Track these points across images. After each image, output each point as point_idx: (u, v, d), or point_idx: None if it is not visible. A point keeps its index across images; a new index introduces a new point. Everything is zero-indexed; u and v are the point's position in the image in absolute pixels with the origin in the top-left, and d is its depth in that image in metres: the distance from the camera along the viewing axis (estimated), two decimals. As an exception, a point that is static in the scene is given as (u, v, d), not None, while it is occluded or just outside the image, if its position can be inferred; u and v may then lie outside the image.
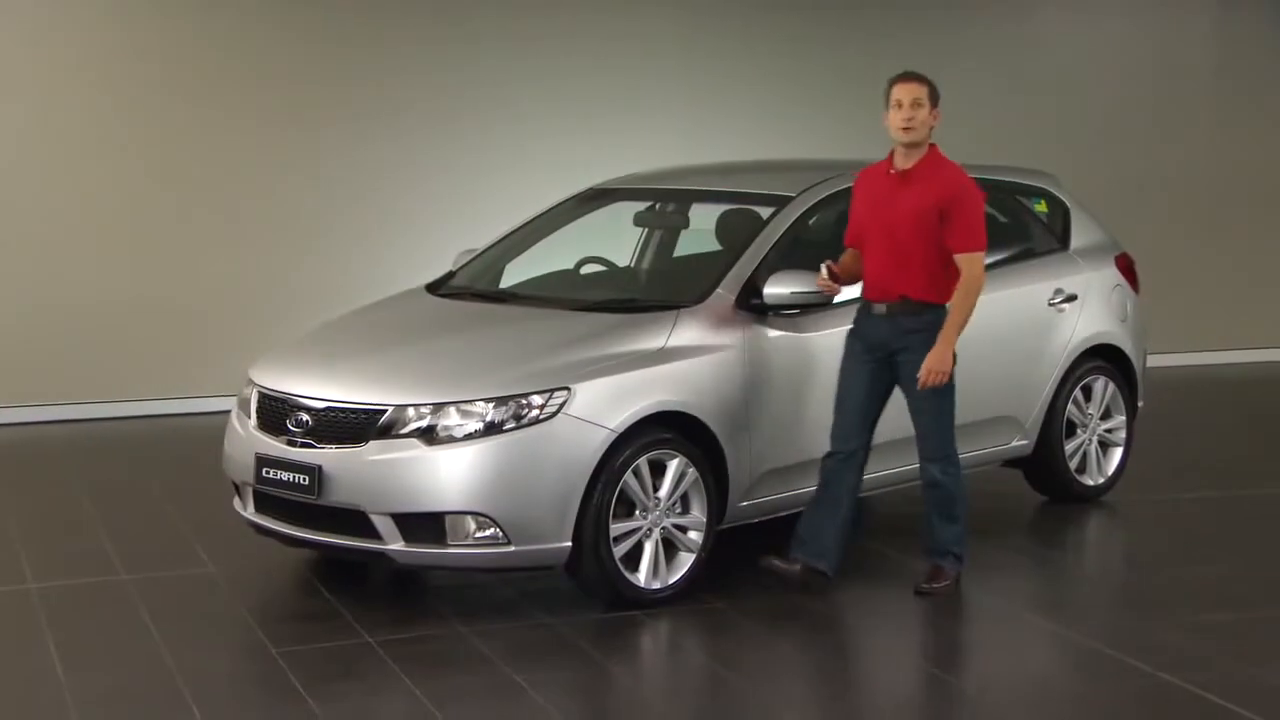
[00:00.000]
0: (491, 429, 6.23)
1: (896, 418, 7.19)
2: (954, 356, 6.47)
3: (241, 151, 10.68)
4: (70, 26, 10.34)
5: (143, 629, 6.26)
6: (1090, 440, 8.26)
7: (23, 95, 10.28)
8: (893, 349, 6.54)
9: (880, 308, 6.55)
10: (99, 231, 10.43)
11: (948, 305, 6.51)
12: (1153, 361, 8.85)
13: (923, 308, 6.51)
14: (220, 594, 6.78)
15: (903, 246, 6.48)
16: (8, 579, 6.91)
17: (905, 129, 6.48)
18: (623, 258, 7.97)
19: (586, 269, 7.85)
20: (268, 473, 6.54)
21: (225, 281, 10.62)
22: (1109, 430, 8.33)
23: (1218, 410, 11.45)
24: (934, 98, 6.52)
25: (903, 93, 6.50)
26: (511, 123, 11.22)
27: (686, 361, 6.53)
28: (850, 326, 6.71)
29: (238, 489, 6.92)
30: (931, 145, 6.58)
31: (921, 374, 6.44)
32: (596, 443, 6.27)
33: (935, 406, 6.56)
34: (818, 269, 6.62)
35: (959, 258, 6.50)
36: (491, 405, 6.26)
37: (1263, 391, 12.20)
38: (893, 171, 6.58)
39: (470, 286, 7.58)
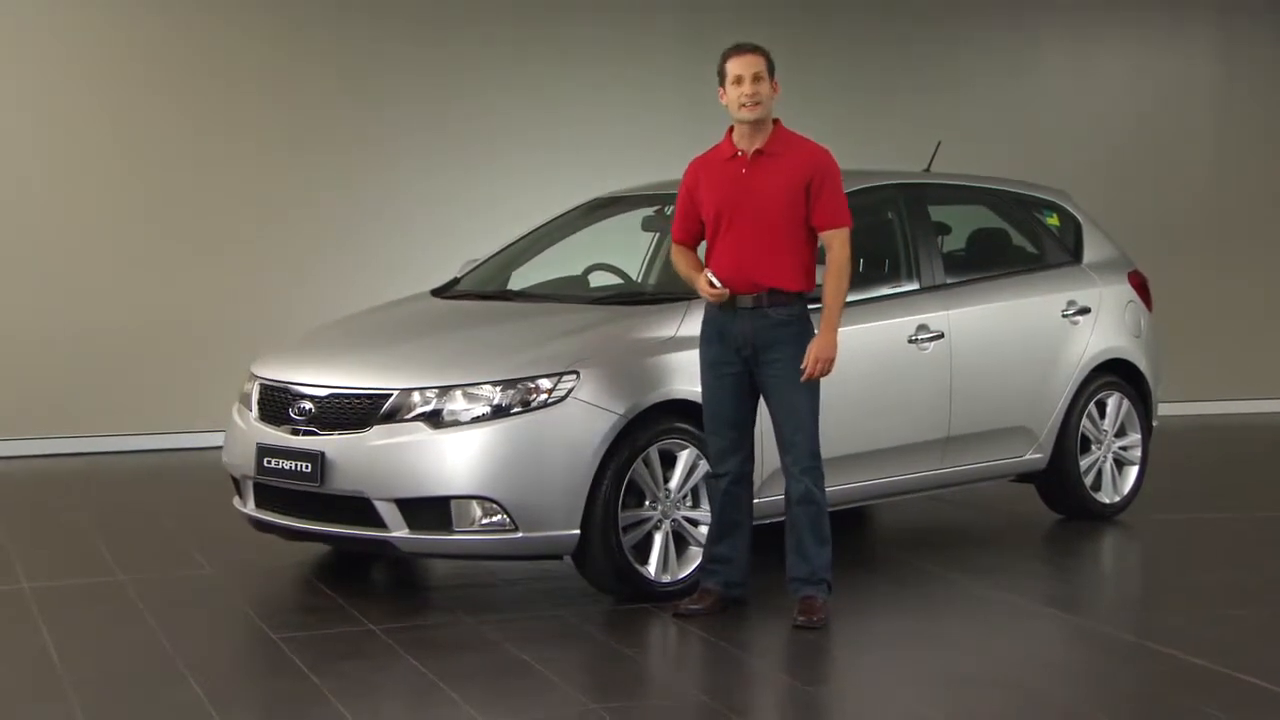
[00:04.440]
0: (499, 412, 6.10)
1: (895, 424, 7.16)
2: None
3: (242, 179, 10.65)
4: (71, 45, 10.33)
5: (140, 620, 6.09)
6: (1105, 457, 8.13)
7: (23, 124, 10.24)
8: (759, 346, 5.98)
9: (746, 300, 5.97)
10: (98, 265, 10.35)
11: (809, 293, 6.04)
12: (1160, 410, 8.69)
13: (791, 298, 5.97)
14: (219, 591, 6.63)
15: (772, 231, 5.95)
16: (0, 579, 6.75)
17: (749, 105, 5.92)
18: (631, 266, 7.86)
19: (594, 277, 7.72)
20: (269, 463, 6.40)
21: (226, 314, 10.53)
22: (1124, 448, 8.20)
23: (1231, 449, 11.29)
24: (772, 69, 5.99)
25: (741, 66, 5.93)
26: (513, 139, 11.22)
27: (697, 352, 6.40)
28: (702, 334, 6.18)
29: (238, 486, 6.78)
30: (776, 120, 6.04)
31: (808, 363, 5.89)
32: (606, 428, 6.13)
33: (807, 409, 5.98)
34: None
35: (828, 235, 5.98)
36: (499, 389, 6.13)
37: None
38: (739, 154, 6.03)
39: (476, 291, 7.48)
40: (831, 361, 5.97)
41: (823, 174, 6.00)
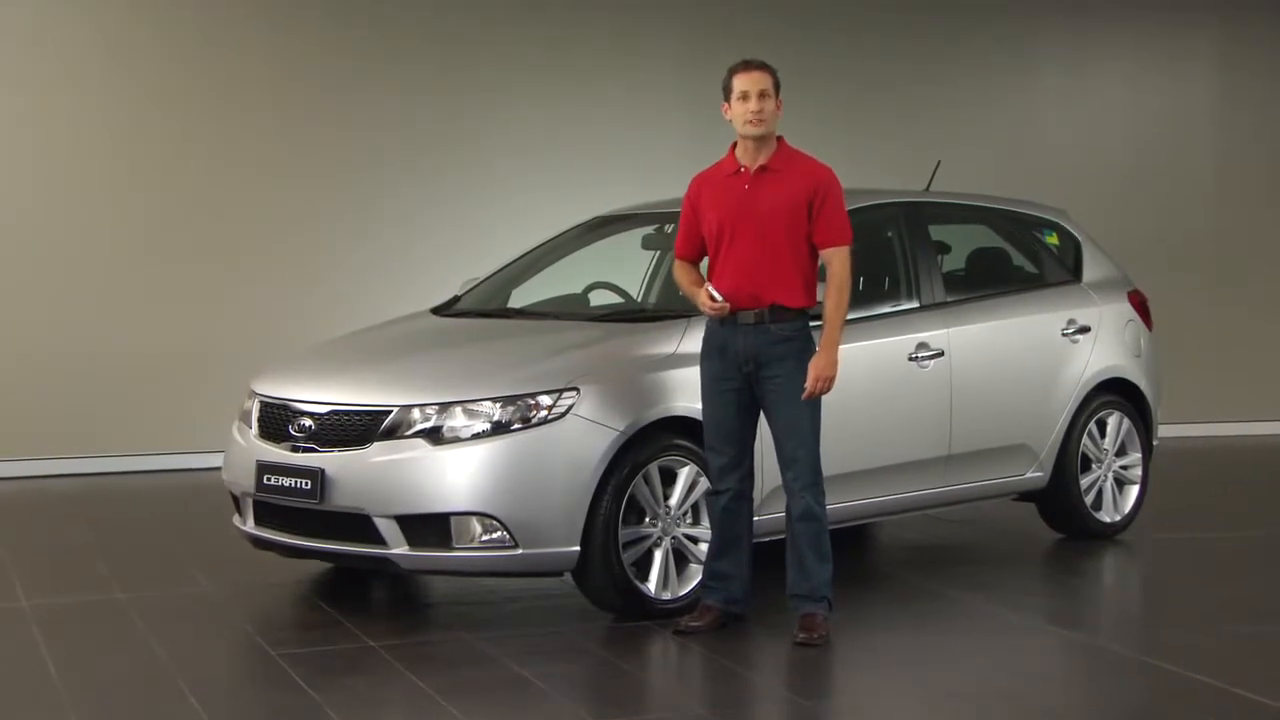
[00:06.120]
0: (499, 429, 6.09)
1: (895, 442, 7.17)
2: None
3: (241, 201, 10.69)
4: (74, 68, 10.37)
5: (139, 638, 6.08)
6: (1106, 476, 8.12)
7: (23, 147, 10.27)
8: (760, 362, 5.98)
9: (747, 316, 5.98)
10: (98, 287, 10.37)
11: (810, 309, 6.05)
12: (1161, 432, 8.70)
13: (793, 314, 5.98)
14: (218, 609, 6.62)
15: (774, 246, 5.95)
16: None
17: (754, 121, 5.94)
18: (631, 284, 7.87)
19: (595, 295, 7.73)
20: (269, 479, 6.39)
21: (226, 335, 10.55)
22: (1125, 467, 8.20)
23: (1231, 470, 11.28)
24: (778, 87, 6.02)
25: (749, 83, 5.96)
26: (514, 158, 11.26)
27: (697, 369, 6.39)
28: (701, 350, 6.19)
29: (237, 503, 6.77)
30: (779, 138, 6.07)
31: (809, 382, 5.89)
32: (606, 444, 6.13)
33: (809, 425, 5.97)
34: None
35: (829, 252, 5.99)
36: (499, 405, 6.13)
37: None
38: (742, 170, 6.05)
39: (476, 309, 7.49)
40: (832, 380, 5.97)
41: (824, 191, 6.01)
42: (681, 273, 6.26)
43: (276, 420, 6.52)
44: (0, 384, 10.16)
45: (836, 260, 6.02)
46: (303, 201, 10.81)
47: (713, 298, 5.99)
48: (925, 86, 12.33)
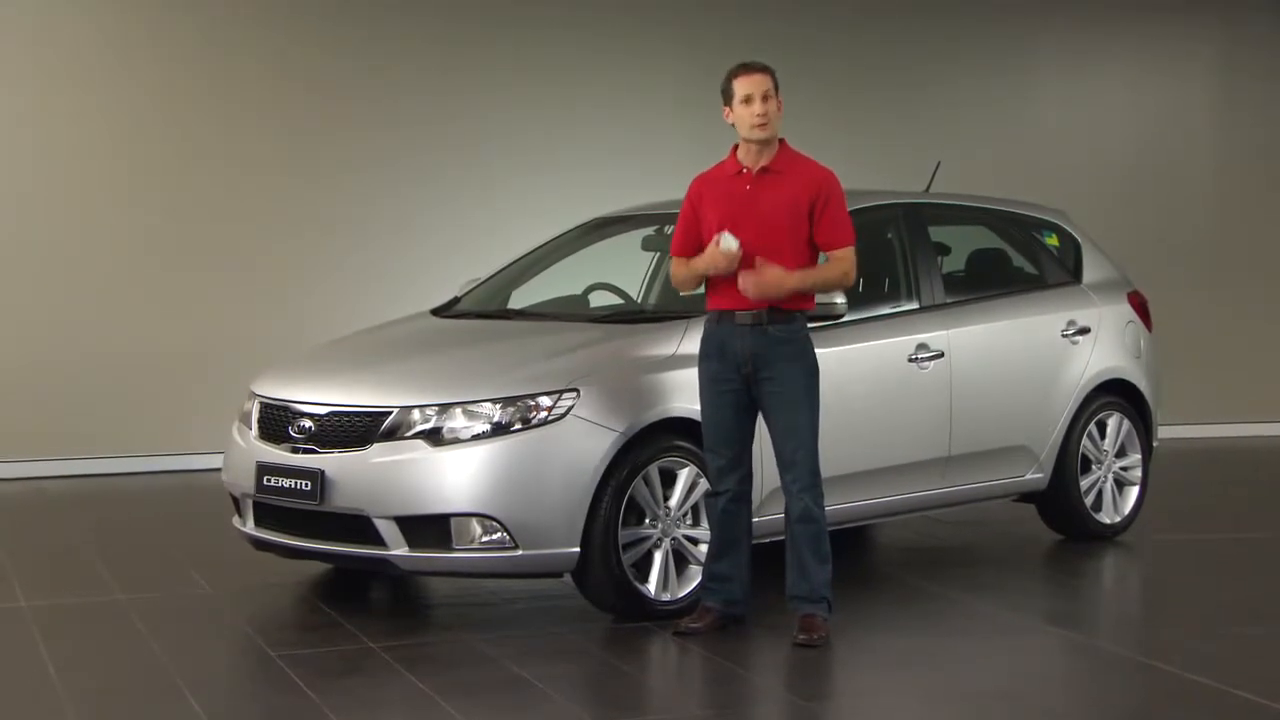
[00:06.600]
0: (499, 430, 6.10)
1: (895, 443, 7.16)
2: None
3: (240, 202, 10.69)
4: (72, 69, 10.37)
5: (138, 638, 6.09)
6: (1106, 477, 8.12)
7: (22, 148, 10.27)
8: (759, 363, 5.96)
9: (745, 317, 5.97)
10: (96, 288, 10.38)
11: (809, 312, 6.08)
12: (1161, 432, 8.70)
13: (792, 316, 5.98)
14: (218, 610, 6.62)
15: (775, 248, 5.92)
16: (-1, 598, 6.76)
17: (760, 125, 5.94)
18: (631, 285, 7.87)
19: (595, 296, 7.74)
20: (269, 480, 6.40)
21: (225, 336, 10.54)
22: (1124, 469, 8.20)
23: (1230, 472, 11.28)
24: (778, 87, 6.01)
25: (751, 85, 5.95)
26: (514, 160, 11.28)
27: (696, 370, 6.39)
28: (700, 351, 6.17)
29: (237, 504, 6.78)
30: (781, 140, 6.07)
31: (754, 275, 5.84)
32: (606, 445, 6.12)
33: (807, 427, 5.97)
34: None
35: (836, 253, 6.00)
36: (498, 406, 6.13)
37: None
38: (744, 171, 6.05)
39: (476, 310, 7.49)
40: (767, 287, 5.86)
41: (826, 194, 6.01)
42: (679, 267, 6.23)
43: (276, 421, 6.52)
44: (0, 384, 10.15)
45: (844, 259, 6.04)
46: (302, 202, 10.82)
47: (721, 244, 5.88)
48: (925, 86, 12.34)
